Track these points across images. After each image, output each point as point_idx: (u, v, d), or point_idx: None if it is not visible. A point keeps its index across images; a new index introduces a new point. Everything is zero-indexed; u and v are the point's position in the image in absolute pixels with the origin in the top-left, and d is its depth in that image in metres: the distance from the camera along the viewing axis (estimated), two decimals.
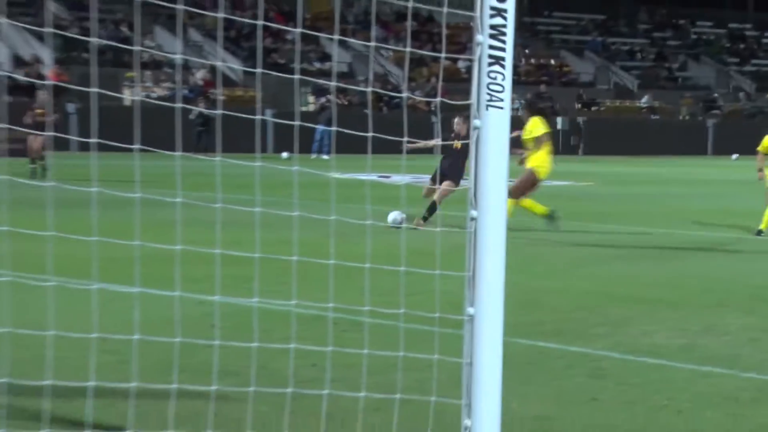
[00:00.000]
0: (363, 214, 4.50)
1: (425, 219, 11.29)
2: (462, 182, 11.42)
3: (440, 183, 11.26)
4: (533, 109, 12.56)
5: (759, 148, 11.76)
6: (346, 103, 30.78)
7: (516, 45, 3.27)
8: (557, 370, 5.27)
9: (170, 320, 4.18)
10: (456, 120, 11.85)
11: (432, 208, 11.32)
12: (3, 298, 4.21)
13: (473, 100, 2.92)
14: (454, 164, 11.46)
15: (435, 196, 11.34)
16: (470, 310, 2.95)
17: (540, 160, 11.52)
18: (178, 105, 3.52)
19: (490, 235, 2.92)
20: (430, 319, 3.88)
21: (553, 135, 13.82)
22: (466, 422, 2.98)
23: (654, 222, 13.69)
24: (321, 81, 27.41)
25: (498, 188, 2.94)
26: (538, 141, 11.59)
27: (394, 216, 10.78)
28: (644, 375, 5.23)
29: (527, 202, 12.09)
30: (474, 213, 2.93)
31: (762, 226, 12.19)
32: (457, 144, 11.41)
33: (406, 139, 3.64)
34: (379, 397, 3.75)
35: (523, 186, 11.37)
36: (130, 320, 4.01)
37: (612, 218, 13.78)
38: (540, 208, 12.07)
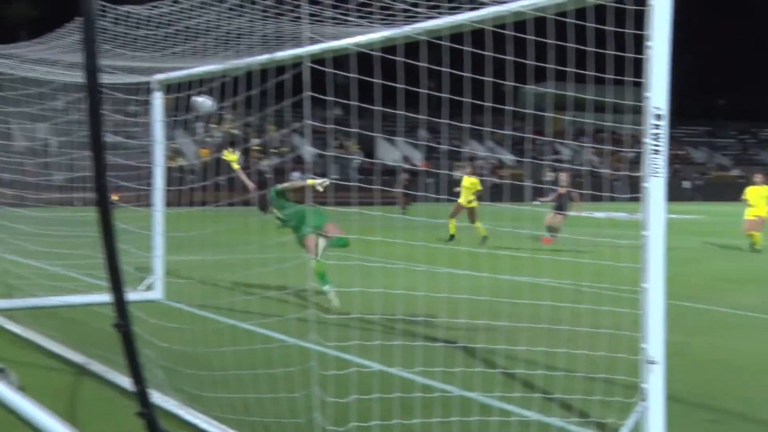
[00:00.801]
0: None
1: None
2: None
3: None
4: None
5: None
6: None
7: None
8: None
9: None
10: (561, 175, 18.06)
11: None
12: None
13: (644, 173, 5.06)
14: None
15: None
16: (645, 285, 5.10)
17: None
18: None
19: (655, 244, 5.12)
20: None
21: None
22: (644, 345, 5.10)
23: None
24: None
25: (659, 218, 5.11)
26: None
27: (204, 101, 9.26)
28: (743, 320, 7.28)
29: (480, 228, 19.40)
30: (646, 232, 5.05)
31: None
32: (562, 190, 18.56)
33: None
34: None
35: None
36: None
37: None
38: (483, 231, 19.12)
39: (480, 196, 20.14)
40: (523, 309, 7.62)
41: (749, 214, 19.58)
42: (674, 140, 74.73)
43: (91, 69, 3.51)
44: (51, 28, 8.38)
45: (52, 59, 9.41)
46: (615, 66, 5.37)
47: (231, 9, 6.37)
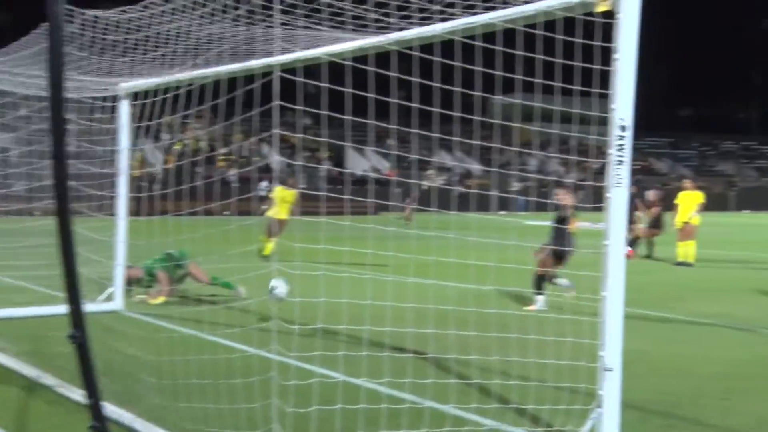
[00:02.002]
0: None
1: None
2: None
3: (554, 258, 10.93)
4: None
5: None
6: None
7: None
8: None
9: None
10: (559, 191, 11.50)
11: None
12: None
13: (608, 183, 5.11)
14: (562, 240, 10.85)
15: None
16: (604, 293, 5.17)
17: None
18: None
19: (615, 253, 5.20)
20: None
21: None
22: (601, 353, 5.17)
23: None
24: None
25: (620, 228, 5.17)
26: None
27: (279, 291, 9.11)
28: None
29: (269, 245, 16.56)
30: (607, 242, 5.14)
31: None
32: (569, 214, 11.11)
33: None
34: None
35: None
36: None
37: None
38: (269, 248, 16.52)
39: (293, 211, 17.88)
40: (491, 318, 7.64)
41: (678, 221, 19.18)
42: (638, 151, 75.81)
43: (56, 77, 3.46)
44: (18, 35, 8.28)
45: (13, 72, 9.30)
46: (582, 78, 5.43)
47: (202, 17, 6.34)
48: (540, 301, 11.09)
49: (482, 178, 56.24)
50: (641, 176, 67.13)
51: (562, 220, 10.94)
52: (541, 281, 11.13)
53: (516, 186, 49.63)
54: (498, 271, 11.77)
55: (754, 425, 6.02)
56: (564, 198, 11.09)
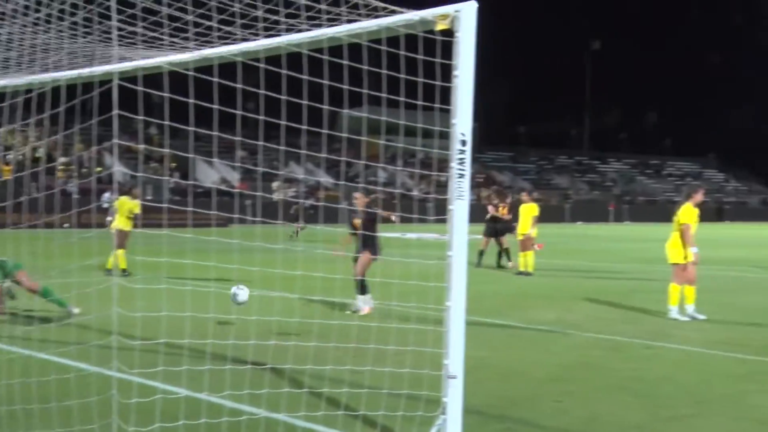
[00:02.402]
0: None
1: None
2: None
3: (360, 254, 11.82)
4: None
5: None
6: None
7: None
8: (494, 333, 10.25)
9: None
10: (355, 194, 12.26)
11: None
12: None
13: (450, 196, 5.29)
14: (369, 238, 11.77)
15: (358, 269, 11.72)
16: (448, 303, 5.33)
17: None
18: None
19: (458, 264, 5.32)
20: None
21: None
22: (446, 361, 5.32)
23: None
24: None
25: (462, 239, 5.32)
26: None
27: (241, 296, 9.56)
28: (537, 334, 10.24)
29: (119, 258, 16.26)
30: (450, 253, 5.28)
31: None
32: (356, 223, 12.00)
33: None
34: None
35: None
36: None
37: None
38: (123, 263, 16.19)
39: (135, 224, 17.38)
40: (333, 328, 7.69)
41: (519, 233, 19.77)
42: (481, 164, 78.60)
43: None
44: None
45: None
46: (425, 93, 5.58)
47: (36, 23, 6.05)
48: (367, 301, 11.70)
49: (331, 191, 56.57)
50: (484, 189, 69.69)
51: (367, 224, 11.66)
52: (363, 284, 11.72)
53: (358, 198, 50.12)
54: (345, 282, 11.85)
55: (584, 424, 6.36)
56: (359, 201, 11.86)
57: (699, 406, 6.99)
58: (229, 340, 6.71)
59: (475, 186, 68.58)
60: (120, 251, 16.92)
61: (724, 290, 16.29)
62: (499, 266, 21.07)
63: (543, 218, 22.78)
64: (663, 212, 76.04)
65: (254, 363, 7.39)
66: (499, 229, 21.55)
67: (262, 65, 5.76)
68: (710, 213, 39.22)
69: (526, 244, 19.61)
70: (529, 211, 19.95)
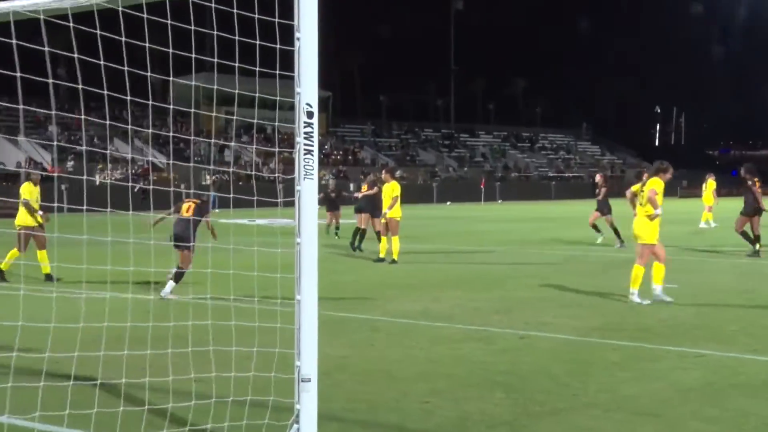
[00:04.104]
0: None
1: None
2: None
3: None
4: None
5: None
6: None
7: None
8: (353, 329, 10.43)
9: None
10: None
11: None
12: None
13: (296, 175, 5.25)
14: (187, 229, 13.01)
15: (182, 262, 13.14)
16: (298, 297, 5.30)
17: None
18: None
19: (308, 252, 5.30)
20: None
21: None
22: (297, 363, 5.27)
23: None
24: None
25: (312, 224, 5.31)
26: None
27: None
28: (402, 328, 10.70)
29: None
30: (299, 240, 5.28)
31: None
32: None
33: None
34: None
35: None
36: None
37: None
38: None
39: (45, 221, 15.59)
40: (167, 331, 7.50)
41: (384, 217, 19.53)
42: (340, 139, 78.96)
43: None
44: None
45: None
46: (265, 58, 5.50)
47: None
48: (169, 287, 12.92)
49: (166, 172, 55.23)
50: (345, 167, 69.88)
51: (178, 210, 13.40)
52: (180, 275, 13.01)
53: (208, 179, 49.37)
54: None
55: (453, 425, 6.50)
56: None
57: (573, 399, 7.29)
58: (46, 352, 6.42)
59: (332, 163, 68.92)
60: None
61: (595, 273, 17.07)
62: (354, 248, 21.27)
63: (408, 198, 22.94)
64: (537, 189, 79.08)
65: (79, 377, 7.12)
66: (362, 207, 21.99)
67: (71, 24, 5.51)
68: (588, 189, 40.84)
69: (388, 227, 19.43)
70: (389, 190, 19.61)
